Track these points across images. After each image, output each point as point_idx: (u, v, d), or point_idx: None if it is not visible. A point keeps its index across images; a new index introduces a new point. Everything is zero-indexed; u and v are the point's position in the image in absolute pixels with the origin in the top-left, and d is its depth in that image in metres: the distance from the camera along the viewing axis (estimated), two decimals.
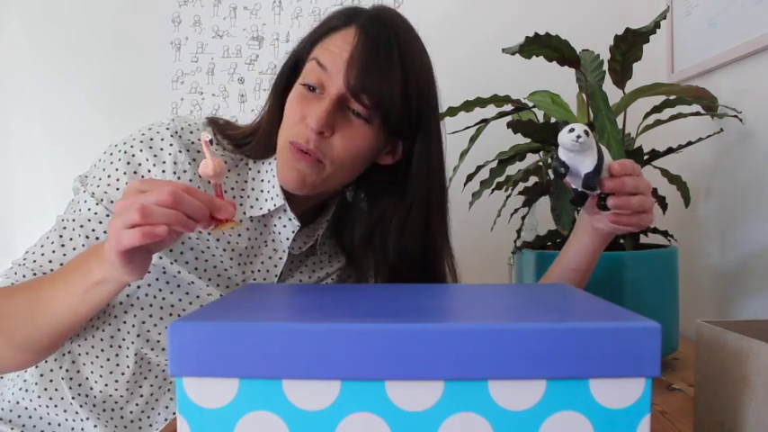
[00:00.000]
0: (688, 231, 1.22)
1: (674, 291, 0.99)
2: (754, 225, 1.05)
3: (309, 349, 0.44)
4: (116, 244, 0.59)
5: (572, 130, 0.65)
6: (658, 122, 1.05)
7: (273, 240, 0.86)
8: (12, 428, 0.83)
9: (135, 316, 0.80)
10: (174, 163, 0.78)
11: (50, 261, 0.76)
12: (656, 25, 0.91)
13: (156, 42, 1.57)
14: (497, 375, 0.45)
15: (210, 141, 0.62)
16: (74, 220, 0.77)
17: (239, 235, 0.83)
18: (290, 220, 0.85)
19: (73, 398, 0.82)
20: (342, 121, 0.78)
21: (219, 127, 0.86)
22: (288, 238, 0.86)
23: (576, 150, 0.66)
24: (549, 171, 1.08)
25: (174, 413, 0.85)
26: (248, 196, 0.84)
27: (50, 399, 0.83)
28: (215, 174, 0.63)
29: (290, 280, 0.90)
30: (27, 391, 0.83)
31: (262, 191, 0.84)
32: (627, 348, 0.45)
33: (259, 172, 0.85)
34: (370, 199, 0.89)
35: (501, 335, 0.44)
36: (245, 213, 0.83)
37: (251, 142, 0.84)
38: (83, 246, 0.76)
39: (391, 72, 0.77)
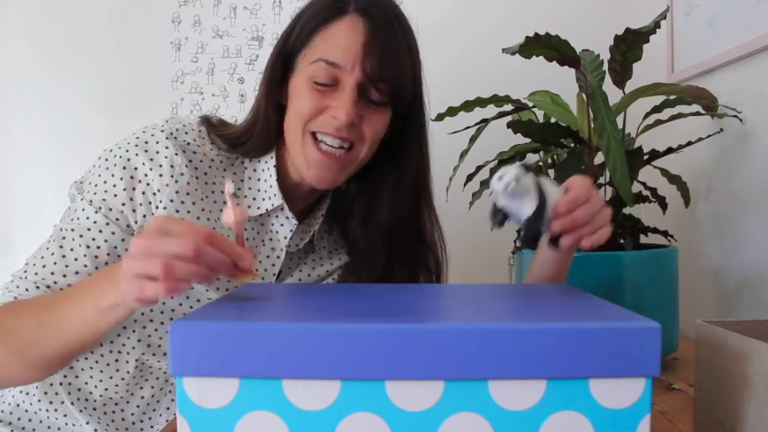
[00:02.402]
0: (688, 231, 1.22)
1: (674, 291, 0.99)
2: (753, 225, 1.05)
3: (309, 349, 0.44)
4: (138, 293, 0.56)
5: (501, 178, 0.58)
6: (658, 122, 1.05)
7: (271, 239, 0.86)
8: (12, 431, 0.83)
9: (135, 321, 0.80)
10: (171, 166, 0.77)
11: (53, 273, 0.75)
12: (656, 25, 0.91)
13: (156, 42, 1.57)
14: (497, 375, 0.45)
15: (235, 194, 0.60)
16: (72, 230, 0.76)
17: None
18: (287, 218, 0.85)
19: (72, 403, 0.82)
20: (363, 107, 0.79)
21: (213, 127, 0.84)
22: (285, 237, 0.85)
23: (512, 196, 0.60)
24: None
25: (176, 414, 0.85)
26: (245, 196, 0.83)
27: (50, 402, 0.82)
28: (236, 223, 0.61)
29: (290, 278, 0.89)
30: (27, 394, 0.83)
31: (259, 190, 0.84)
32: (627, 348, 0.44)
33: (255, 171, 0.84)
34: (363, 176, 0.88)
35: (501, 335, 0.44)
36: None
37: (246, 142, 0.82)
38: (84, 256, 0.75)
39: (403, 56, 0.80)
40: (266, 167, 0.83)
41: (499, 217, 0.58)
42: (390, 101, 0.81)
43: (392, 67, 0.78)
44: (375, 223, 0.88)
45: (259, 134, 0.82)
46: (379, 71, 0.77)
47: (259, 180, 0.84)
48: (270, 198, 0.83)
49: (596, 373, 0.45)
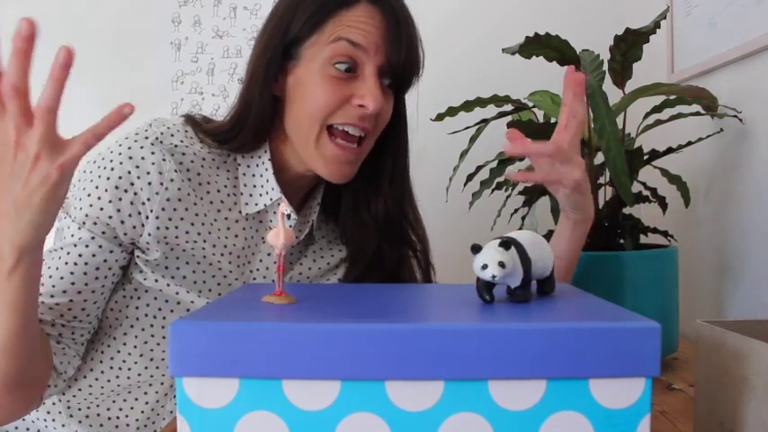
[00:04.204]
0: (688, 231, 1.22)
1: (674, 291, 0.99)
2: (753, 225, 1.05)
3: (309, 349, 0.44)
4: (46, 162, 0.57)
5: (485, 267, 0.52)
6: (658, 122, 1.05)
7: None
8: None
9: (136, 337, 0.80)
10: (160, 173, 0.74)
11: (39, 294, 0.68)
12: (656, 25, 0.91)
13: (156, 42, 1.57)
14: (497, 375, 0.45)
15: (288, 216, 0.59)
16: (58, 250, 0.74)
17: (236, 236, 0.81)
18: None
19: (71, 416, 0.81)
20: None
21: (198, 125, 0.81)
22: None
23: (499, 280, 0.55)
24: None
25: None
26: (241, 193, 0.82)
27: (48, 413, 0.82)
28: (283, 245, 0.61)
29: (291, 272, 0.88)
30: None
31: (255, 186, 0.82)
32: (627, 348, 0.44)
33: (249, 167, 0.82)
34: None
35: (501, 335, 0.44)
36: (240, 212, 0.81)
37: (236, 136, 0.80)
38: (71, 273, 0.73)
39: (417, 44, 0.82)
40: (260, 162, 0.81)
41: (488, 295, 0.56)
42: (401, 87, 0.82)
43: (410, 55, 0.80)
44: (367, 209, 0.88)
45: (250, 128, 0.79)
46: (401, 57, 0.78)
47: (254, 176, 0.82)
48: (267, 193, 0.81)
49: (596, 373, 0.45)
